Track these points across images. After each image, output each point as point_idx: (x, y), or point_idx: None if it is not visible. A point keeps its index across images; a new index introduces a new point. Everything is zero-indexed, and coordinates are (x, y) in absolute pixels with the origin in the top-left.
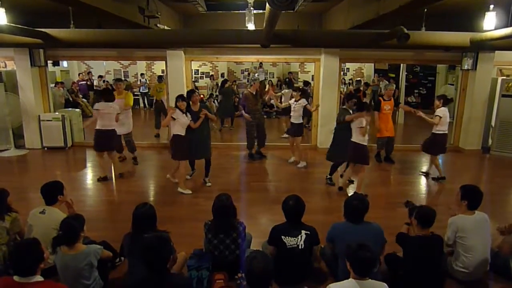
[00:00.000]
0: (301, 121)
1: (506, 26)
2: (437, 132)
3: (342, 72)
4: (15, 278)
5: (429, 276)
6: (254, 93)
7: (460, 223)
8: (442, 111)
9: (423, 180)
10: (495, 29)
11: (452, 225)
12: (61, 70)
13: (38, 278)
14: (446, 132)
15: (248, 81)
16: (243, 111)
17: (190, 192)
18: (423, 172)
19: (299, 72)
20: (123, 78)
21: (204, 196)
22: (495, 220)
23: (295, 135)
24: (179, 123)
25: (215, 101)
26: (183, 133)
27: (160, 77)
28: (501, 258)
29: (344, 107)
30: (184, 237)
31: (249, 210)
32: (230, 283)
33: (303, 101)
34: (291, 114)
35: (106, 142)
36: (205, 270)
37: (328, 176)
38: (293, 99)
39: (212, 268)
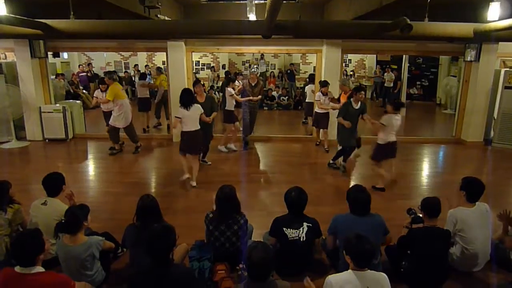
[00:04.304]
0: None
1: (511, 17)
2: (380, 142)
3: (344, 64)
4: (17, 269)
5: (434, 268)
6: (253, 84)
7: (459, 216)
8: (387, 119)
9: (424, 172)
10: (499, 19)
11: (451, 218)
12: (61, 62)
13: (39, 268)
14: (390, 140)
15: (248, 73)
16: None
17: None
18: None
19: (300, 64)
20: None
21: (206, 187)
22: (497, 212)
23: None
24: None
25: (216, 92)
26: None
27: (159, 69)
28: (501, 250)
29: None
30: (185, 228)
31: (249, 200)
32: (232, 274)
33: None
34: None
35: None
36: (206, 261)
37: (331, 162)
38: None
39: (214, 259)
